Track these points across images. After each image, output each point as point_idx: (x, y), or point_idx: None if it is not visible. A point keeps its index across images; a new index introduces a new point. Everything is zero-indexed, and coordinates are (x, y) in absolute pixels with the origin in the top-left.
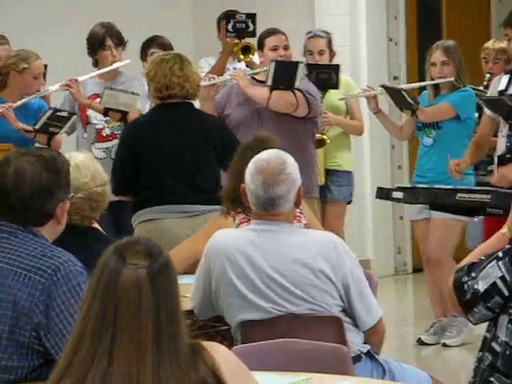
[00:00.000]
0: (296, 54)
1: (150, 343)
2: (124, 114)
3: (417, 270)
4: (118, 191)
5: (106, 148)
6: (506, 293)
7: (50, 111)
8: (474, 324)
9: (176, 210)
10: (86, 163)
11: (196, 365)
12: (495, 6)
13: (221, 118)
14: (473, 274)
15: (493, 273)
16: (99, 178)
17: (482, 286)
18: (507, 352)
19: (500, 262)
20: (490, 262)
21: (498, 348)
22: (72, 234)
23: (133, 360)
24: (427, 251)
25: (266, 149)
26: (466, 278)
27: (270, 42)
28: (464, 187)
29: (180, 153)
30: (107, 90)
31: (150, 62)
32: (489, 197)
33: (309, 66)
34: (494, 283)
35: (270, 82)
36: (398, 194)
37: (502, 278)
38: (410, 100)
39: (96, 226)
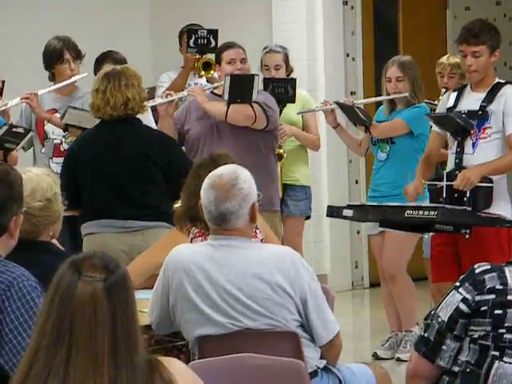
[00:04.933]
0: (254, 70)
1: (106, 356)
2: (84, 130)
3: (374, 284)
4: (67, 206)
5: None
6: (468, 310)
7: (6, 127)
8: (447, 367)
9: (112, 225)
10: (30, 177)
11: (153, 380)
12: (451, 22)
13: (181, 133)
14: (428, 321)
15: (453, 300)
16: (40, 193)
17: (444, 315)
18: (467, 370)
19: (460, 289)
20: (448, 294)
21: (456, 369)
22: (19, 248)
23: (89, 373)
24: (382, 266)
25: (219, 166)
26: (422, 330)
27: (226, 55)
28: (411, 204)
29: (116, 169)
30: (70, 109)
31: (96, 77)
32: (435, 213)
33: (265, 81)
34: (457, 307)
35: (226, 97)
36: (348, 212)
37: (464, 300)
38: (362, 116)
39: (54, 241)
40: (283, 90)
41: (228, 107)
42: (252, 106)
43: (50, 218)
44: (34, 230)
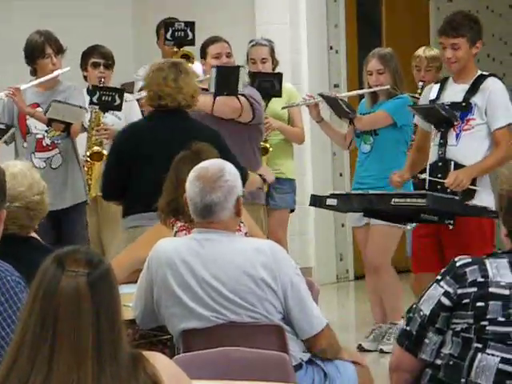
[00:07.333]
0: (239, 63)
1: (90, 351)
2: (68, 125)
3: (358, 277)
4: (105, 196)
5: (47, 158)
6: (450, 303)
7: None
8: (430, 361)
9: (156, 218)
10: (23, 172)
11: (137, 374)
12: (434, 14)
13: None
14: (410, 314)
15: (435, 293)
16: (36, 187)
17: (426, 308)
18: (450, 362)
19: (441, 282)
20: (429, 288)
21: (439, 361)
22: (9, 243)
23: (73, 367)
24: (366, 258)
25: (200, 160)
26: (404, 324)
27: (212, 49)
28: (398, 192)
29: (167, 162)
30: (54, 102)
31: (149, 68)
32: (424, 200)
33: (252, 75)
34: (439, 300)
35: (213, 89)
36: (332, 201)
37: (445, 293)
38: (346, 108)
39: (34, 235)
40: (269, 84)
41: (214, 99)
42: (238, 99)
43: (42, 211)
44: (30, 224)
